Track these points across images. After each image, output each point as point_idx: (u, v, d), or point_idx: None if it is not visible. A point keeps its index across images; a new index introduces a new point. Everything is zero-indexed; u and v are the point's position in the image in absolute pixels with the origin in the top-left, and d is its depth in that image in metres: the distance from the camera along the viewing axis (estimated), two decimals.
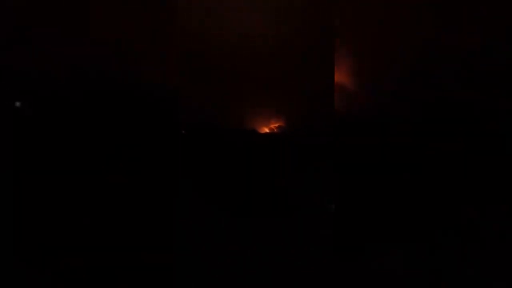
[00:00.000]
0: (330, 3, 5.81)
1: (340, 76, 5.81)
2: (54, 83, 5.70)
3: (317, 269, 5.26)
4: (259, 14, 5.79)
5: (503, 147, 5.49)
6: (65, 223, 5.32)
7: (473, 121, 5.58)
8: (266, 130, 5.86)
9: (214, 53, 5.82)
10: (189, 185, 5.56)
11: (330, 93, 5.78)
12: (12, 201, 5.32)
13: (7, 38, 5.69)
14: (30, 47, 5.70)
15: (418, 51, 5.71)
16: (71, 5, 5.77)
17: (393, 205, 5.46)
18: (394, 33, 5.74)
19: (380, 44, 5.78)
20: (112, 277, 5.18)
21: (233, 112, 5.86)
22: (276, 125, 5.86)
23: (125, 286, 5.17)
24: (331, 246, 5.39)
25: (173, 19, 5.80)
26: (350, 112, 5.76)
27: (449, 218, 5.38)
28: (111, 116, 5.66)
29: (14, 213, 5.30)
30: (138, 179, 5.50)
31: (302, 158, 5.69)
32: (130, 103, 5.71)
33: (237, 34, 5.78)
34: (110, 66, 5.74)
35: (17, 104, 5.65)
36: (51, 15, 5.73)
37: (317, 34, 5.82)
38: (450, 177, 5.48)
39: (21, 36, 5.70)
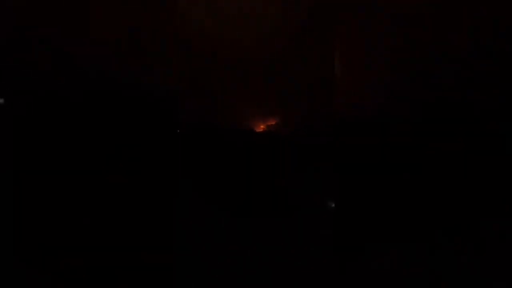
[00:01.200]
0: (330, 4, 5.81)
1: (340, 76, 5.81)
2: (54, 83, 5.70)
3: (317, 269, 5.26)
4: (259, 14, 5.79)
5: (503, 147, 5.49)
6: (65, 223, 5.31)
7: (473, 121, 5.57)
8: (263, 127, 5.85)
9: (214, 53, 5.82)
10: (189, 185, 5.56)
11: (330, 93, 5.78)
12: (12, 201, 5.32)
13: (7, 38, 5.69)
14: (30, 47, 5.70)
15: (418, 51, 5.71)
16: (71, 5, 5.77)
17: (393, 205, 5.46)
18: (394, 33, 5.73)
19: (380, 44, 5.77)
20: (112, 277, 5.17)
21: (233, 112, 5.86)
22: (273, 123, 5.86)
23: (125, 286, 5.16)
24: (331, 246, 5.38)
25: (173, 19, 5.81)
26: (350, 112, 5.75)
27: (449, 218, 5.38)
28: (111, 116, 5.66)
29: (14, 213, 5.30)
30: (138, 179, 5.50)
31: (302, 158, 5.69)
32: (130, 103, 5.71)
33: (237, 34, 5.78)
34: (110, 66, 5.74)
35: (17, 104, 5.65)
36: (51, 15, 5.73)
37: (317, 34, 5.82)
38: (450, 177, 5.47)
39: (21, 36, 5.70)
